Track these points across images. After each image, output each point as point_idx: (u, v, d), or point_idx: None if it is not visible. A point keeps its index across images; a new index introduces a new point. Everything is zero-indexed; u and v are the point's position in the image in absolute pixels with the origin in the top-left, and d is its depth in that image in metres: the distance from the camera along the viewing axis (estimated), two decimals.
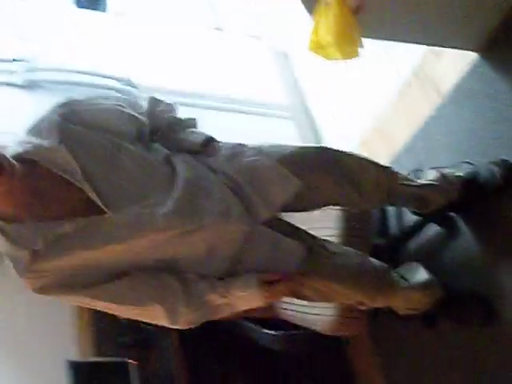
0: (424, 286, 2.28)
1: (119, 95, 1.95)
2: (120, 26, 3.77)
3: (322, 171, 1.97)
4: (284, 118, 3.64)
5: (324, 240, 2.07)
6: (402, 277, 2.30)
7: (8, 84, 3.05)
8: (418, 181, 2.26)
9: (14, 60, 3.12)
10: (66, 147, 1.59)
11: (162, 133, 1.94)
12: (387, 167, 2.18)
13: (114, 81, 3.23)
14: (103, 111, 1.77)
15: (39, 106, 2.89)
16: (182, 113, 3.27)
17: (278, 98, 3.75)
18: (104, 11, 3.94)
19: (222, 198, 1.76)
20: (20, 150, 1.59)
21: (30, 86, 3.06)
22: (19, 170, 1.55)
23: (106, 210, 1.60)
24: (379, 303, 2.18)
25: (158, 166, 1.76)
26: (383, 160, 2.88)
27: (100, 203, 1.60)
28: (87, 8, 3.91)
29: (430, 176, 2.29)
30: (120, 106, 1.81)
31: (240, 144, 1.98)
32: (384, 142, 2.95)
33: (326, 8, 2.00)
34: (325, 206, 2.12)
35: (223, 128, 3.30)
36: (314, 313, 2.32)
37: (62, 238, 1.59)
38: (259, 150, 1.94)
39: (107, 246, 1.63)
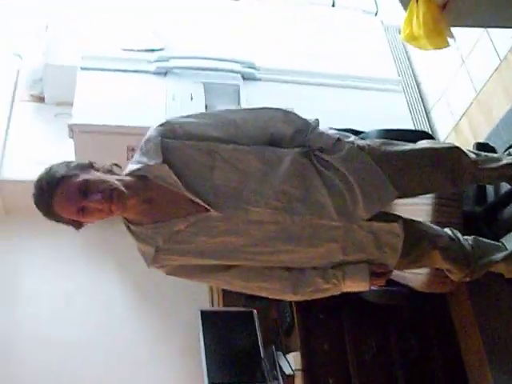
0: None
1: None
2: (241, 11, 4.11)
3: (426, 169, 2.25)
4: (395, 92, 3.84)
5: (414, 221, 2.32)
6: (504, 245, 2.51)
7: (143, 72, 3.51)
8: (503, 161, 2.47)
9: (148, 50, 3.58)
10: (168, 164, 1.90)
11: (290, 136, 2.12)
12: (475, 161, 2.39)
13: (238, 64, 3.61)
14: (196, 124, 2.04)
15: (170, 91, 3.36)
16: (299, 91, 3.63)
17: (389, 72, 3.94)
18: None
19: (317, 199, 2.01)
20: (134, 168, 1.96)
21: (163, 73, 3.50)
22: (133, 187, 1.92)
23: (208, 207, 1.91)
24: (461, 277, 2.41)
25: (255, 162, 2.00)
26: (483, 130, 3.12)
27: (203, 203, 1.91)
28: None
29: None
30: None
31: (355, 145, 2.15)
32: (484, 114, 3.14)
33: (417, 5, 2.26)
34: (423, 194, 2.45)
35: (337, 104, 3.64)
36: (411, 272, 2.59)
37: (176, 234, 1.93)
38: (372, 153, 2.15)
39: (214, 238, 1.95)
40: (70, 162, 1.93)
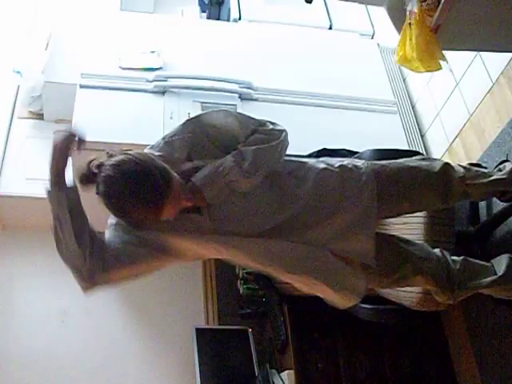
0: (503, 281, 2.50)
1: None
2: (239, 32, 4.19)
3: (417, 190, 2.31)
4: (390, 113, 3.88)
5: (406, 240, 2.39)
6: (493, 267, 2.55)
7: (142, 90, 3.55)
8: (493, 176, 2.51)
9: (146, 69, 3.62)
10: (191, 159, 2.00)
11: None
12: (463, 176, 2.43)
13: (235, 84, 3.65)
14: (223, 126, 2.08)
15: (168, 110, 3.40)
16: (296, 111, 3.67)
17: (385, 93, 3.98)
18: (228, 20, 4.33)
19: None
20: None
21: (161, 92, 3.54)
22: None
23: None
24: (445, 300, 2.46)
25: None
26: (476, 151, 3.16)
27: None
28: (213, 18, 4.34)
29: (507, 168, 2.55)
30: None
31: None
32: (477, 135, 3.18)
33: (410, 28, 2.31)
34: (413, 213, 2.50)
35: (333, 124, 3.68)
36: (403, 290, 2.62)
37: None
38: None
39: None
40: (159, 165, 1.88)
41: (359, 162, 2.26)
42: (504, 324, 2.90)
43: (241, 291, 3.59)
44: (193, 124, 2.06)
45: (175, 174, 1.88)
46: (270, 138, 2.08)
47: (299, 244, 2.07)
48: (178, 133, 2.05)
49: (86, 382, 3.49)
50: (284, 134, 2.12)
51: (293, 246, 2.06)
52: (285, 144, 2.11)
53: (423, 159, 2.41)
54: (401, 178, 2.27)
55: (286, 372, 3.19)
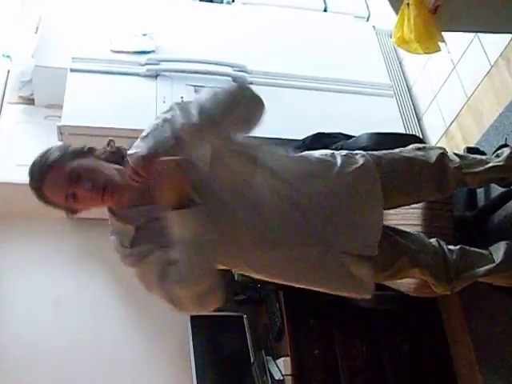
0: (502, 269, 2.45)
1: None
2: (233, 15, 4.12)
3: (414, 183, 2.26)
4: (386, 96, 3.83)
5: (402, 232, 2.34)
6: (491, 254, 2.50)
7: (134, 74, 3.49)
8: (490, 163, 2.46)
9: (138, 52, 3.56)
10: None
11: None
12: (459, 166, 2.37)
13: (229, 68, 3.59)
14: None
15: (160, 94, 3.35)
16: (290, 94, 3.62)
17: (381, 76, 3.93)
18: (221, 2, 4.27)
19: None
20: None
21: (153, 75, 3.48)
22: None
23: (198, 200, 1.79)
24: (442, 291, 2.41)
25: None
26: (473, 135, 3.11)
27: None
28: (206, 0, 4.28)
29: (504, 154, 2.51)
30: None
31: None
32: (475, 119, 3.14)
33: (408, 8, 2.26)
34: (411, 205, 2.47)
35: (328, 108, 3.63)
36: None
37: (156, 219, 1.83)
38: None
39: None
40: (67, 147, 1.89)
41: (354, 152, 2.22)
42: (501, 309, 2.88)
43: (236, 277, 3.55)
44: None
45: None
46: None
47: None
48: None
49: (78, 371, 3.46)
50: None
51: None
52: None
53: (418, 149, 2.35)
54: (397, 171, 2.22)
55: (282, 359, 3.17)
